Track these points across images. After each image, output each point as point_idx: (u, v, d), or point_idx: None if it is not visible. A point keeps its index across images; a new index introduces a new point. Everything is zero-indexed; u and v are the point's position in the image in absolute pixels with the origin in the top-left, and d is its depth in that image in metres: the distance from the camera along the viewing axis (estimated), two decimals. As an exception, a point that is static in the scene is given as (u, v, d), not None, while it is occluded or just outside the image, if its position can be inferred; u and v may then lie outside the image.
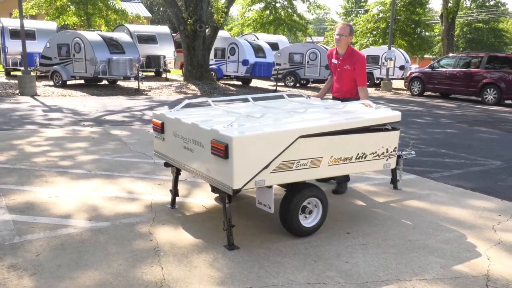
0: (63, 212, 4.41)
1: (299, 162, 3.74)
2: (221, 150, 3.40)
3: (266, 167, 3.54)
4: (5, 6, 32.01)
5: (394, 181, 5.57)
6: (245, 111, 4.32)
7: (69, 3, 26.81)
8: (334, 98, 5.40)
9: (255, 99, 5.06)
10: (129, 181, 5.49)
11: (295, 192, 3.89)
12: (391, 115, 4.49)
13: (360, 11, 53.81)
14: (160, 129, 4.39)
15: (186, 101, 4.60)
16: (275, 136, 3.60)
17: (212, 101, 4.80)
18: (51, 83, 17.40)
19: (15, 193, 4.90)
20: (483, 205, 5.11)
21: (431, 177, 6.21)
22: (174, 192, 4.62)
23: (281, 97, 5.49)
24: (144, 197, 4.92)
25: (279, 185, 3.90)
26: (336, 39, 5.14)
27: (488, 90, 16.84)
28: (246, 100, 5.20)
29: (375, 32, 36.23)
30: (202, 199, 4.94)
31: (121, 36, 18.33)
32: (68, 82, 17.34)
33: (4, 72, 20.82)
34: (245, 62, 19.62)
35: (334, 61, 5.31)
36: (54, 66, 17.21)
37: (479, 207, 5.02)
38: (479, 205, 5.11)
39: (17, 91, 14.65)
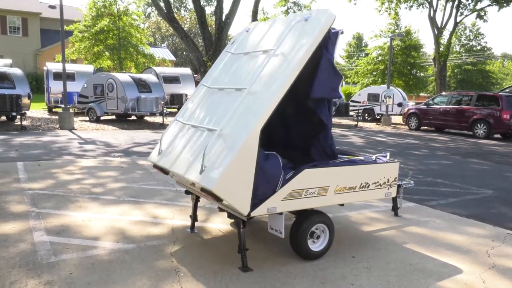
0: (94, 234, 4.40)
1: (308, 190, 3.71)
2: (212, 195, 3.38)
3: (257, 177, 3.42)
4: (50, 52, 33.06)
5: (395, 209, 5.47)
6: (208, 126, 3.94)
7: (105, 50, 27.56)
8: None
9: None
10: (153, 206, 5.48)
11: (304, 218, 3.85)
12: None
13: (361, 55, 54.36)
14: (163, 172, 4.28)
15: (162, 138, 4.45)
16: (242, 153, 3.34)
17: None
18: (87, 118, 17.72)
19: (53, 216, 4.92)
20: (477, 231, 4.98)
21: (429, 205, 6.10)
22: (194, 218, 4.59)
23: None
24: (166, 222, 4.89)
25: (289, 211, 3.86)
26: None
27: (479, 125, 16.69)
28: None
29: (375, 73, 36.44)
30: (219, 224, 4.89)
31: (149, 77, 18.70)
32: (102, 118, 17.64)
33: (47, 109, 21.27)
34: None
35: None
36: (90, 104, 17.55)
37: (473, 233, 4.89)
38: (473, 231, 4.98)
39: (57, 126, 14.92)
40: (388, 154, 4.73)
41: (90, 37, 26.97)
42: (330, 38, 3.89)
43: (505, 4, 26.90)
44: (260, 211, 3.49)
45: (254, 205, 3.44)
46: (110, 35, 27.50)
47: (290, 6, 29.75)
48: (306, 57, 3.60)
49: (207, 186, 3.30)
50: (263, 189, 3.48)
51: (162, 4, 18.34)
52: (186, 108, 4.54)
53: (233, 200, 3.37)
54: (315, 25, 3.76)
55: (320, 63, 3.88)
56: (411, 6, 29.73)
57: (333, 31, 3.93)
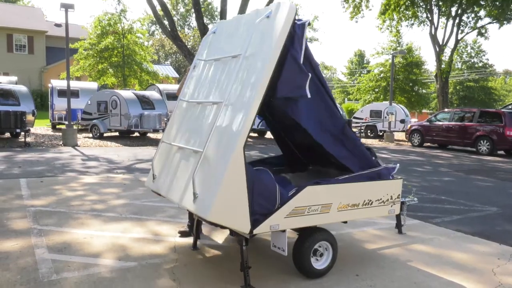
0: (96, 252, 4.37)
1: (311, 207, 3.69)
2: (210, 223, 3.40)
3: (250, 194, 3.38)
4: (55, 70, 33.39)
5: (398, 226, 5.42)
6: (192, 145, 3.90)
7: (109, 67, 27.84)
8: None
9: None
10: (155, 223, 5.46)
11: (307, 236, 3.81)
12: None
13: (363, 72, 54.67)
14: (162, 196, 4.25)
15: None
16: (230, 175, 3.27)
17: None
18: (90, 135, 17.79)
19: (55, 233, 4.90)
20: (482, 249, 4.92)
21: (433, 222, 6.04)
22: (196, 235, 4.56)
23: None
24: (168, 239, 4.86)
25: (292, 229, 3.83)
26: None
27: (482, 141, 16.65)
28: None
29: (377, 90, 36.58)
30: (221, 241, 4.86)
31: (152, 94, 18.83)
32: (105, 134, 17.71)
33: (51, 126, 21.40)
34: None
35: None
36: (94, 120, 17.65)
37: (478, 251, 4.83)
38: (478, 249, 4.92)
39: (61, 142, 14.98)
40: (398, 165, 4.68)
41: (95, 55, 27.31)
42: (295, 32, 3.62)
43: (505, 22, 27.11)
44: (263, 229, 3.47)
45: (255, 221, 3.42)
46: (115, 53, 27.83)
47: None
48: (274, 59, 3.45)
49: (203, 216, 3.31)
50: (261, 204, 3.45)
51: (166, 23, 18.59)
52: (170, 126, 4.47)
53: (231, 223, 3.36)
54: (278, 21, 3.55)
55: (285, 60, 3.60)
56: (412, 24, 30.02)
57: (298, 23, 3.66)
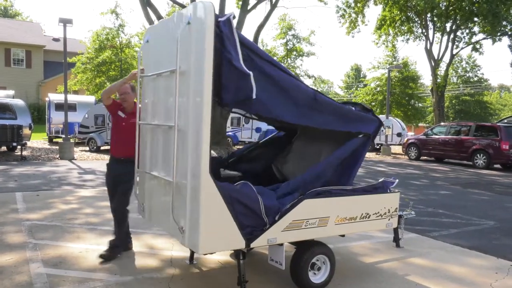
0: (91, 266, 4.33)
1: (308, 221, 3.68)
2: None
3: (235, 221, 3.32)
4: (52, 84, 33.47)
5: (396, 240, 5.41)
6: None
7: (106, 81, 27.93)
8: (115, 159, 4.63)
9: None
10: (151, 237, 5.42)
11: (305, 250, 3.80)
12: None
13: (359, 85, 55.05)
14: None
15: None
16: (206, 203, 3.19)
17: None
18: (87, 148, 17.75)
19: (50, 247, 4.85)
20: (480, 263, 4.91)
21: (431, 236, 6.03)
22: (193, 248, 4.52)
23: None
24: (164, 253, 4.82)
25: (289, 242, 3.81)
26: (121, 98, 4.52)
27: (478, 155, 16.71)
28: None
29: (373, 103, 36.81)
30: (218, 255, 4.82)
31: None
32: (102, 148, 17.68)
33: (47, 139, 21.35)
34: (258, 130, 20.07)
35: (121, 114, 4.58)
36: (91, 134, 17.63)
37: (476, 265, 4.81)
38: (476, 263, 4.90)
39: (58, 156, 14.93)
40: (397, 180, 4.70)
41: (93, 69, 27.40)
42: (222, 32, 3.26)
43: (497, 39, 27.46)
44: (260, 242, 3.45)
45: (249, 234, 3.40)
46: (112, 67, 27.94)
47: (289, 39, 30.39)
48: (209, 70, 3.16)
49: (195, 251, 3.34)
50: (248, 217, 3.41)
51: (164, 37, 18.71)
52: (142, 151, 4.29)
53: (225, 246, 3.38)
54: (199, 27, 3.22)
55: (222, 65, 3.30)
56: (408, 39, 30.38)
57: (222, 19, 3.28)
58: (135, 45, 29.31)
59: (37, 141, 21.22)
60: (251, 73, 3.30)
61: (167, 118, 3.72)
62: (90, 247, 4.93)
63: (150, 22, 18.05)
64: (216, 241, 3.27)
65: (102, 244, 5.07)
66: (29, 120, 15.56)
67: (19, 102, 16.12)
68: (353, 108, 4.38)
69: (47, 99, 21.49)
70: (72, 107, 20.11)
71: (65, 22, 14.68)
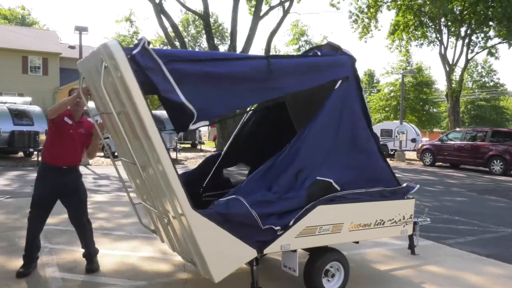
0: (106, 270, 4.36)
1: (322, 227, 3.66)
2: None
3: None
4: (68, 90, 33.99)
5: (411, 247, 5.32)
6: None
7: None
8: (57, 168, 4.16)
9: None
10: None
11: (318, 256, 3.77)
12: None
13: (373, 91, 54.75)
14: None
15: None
16: (201, 235, 3.11)
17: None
18: (102, 154, 17.95)
19: (65, 252, 4.91)
20: (497, 271, 4.81)
21: (447, 243, 5.93)
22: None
23: None
24: (178, 258, 4.83)
25: (303, 249, 3.79)
26: (75, 104, 4.19)
27: (495, 161, 16.45)
28: None
29: (387, 109, 36.56)
30: (231, 261, 4.81)
31: (162, 113, 18.98)
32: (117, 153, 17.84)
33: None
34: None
35: (68, 120, 4.20)
36: (106, 139, 17.79)
37: (493, 273, 4.72)
38: (493, 271, 4.80)
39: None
40: (418, 186, 4.59)
41: (107, 75, 27.76)
42: (141, 66, 2.93)
43: (513, 43, 27.04)
44: (273, 248, 3.44)
45: (258, 242, 3.38)
46: (127, 73, 28.26)
47: (302, 45, 30.43)
48: (144, 108, 2.91)
49: (212, 280, 3.30)
50: (247, 228, 3.33)
51: (177, 44, 18.90)
52: (132, 182, 4.25)
53: (237, 262, 3.35)
54: (115, 69, 2.94)
55: (160, 98, 3.11)
56: (422, 44, 30.11)
57: (137, 51, 2.95)
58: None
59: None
60: (183, 100, 3.04)
61: (138, 156, 3.41)
62: (104, 252, 4.96)
63: (164, 29, 18.24)
64: (227, 263, 3.26)
65: (116, 249, 5.11)
66: (46, 126, 15.78)
67: (36, 108, 16.40)
68: (319, 53, 3.95)
69: (63, 105, 21.77)
70: (87, 114, 20.36)
71: (81, 30, 14.95)
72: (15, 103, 16.84)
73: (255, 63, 3.46)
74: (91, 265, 4.33)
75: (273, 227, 3.41)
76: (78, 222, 4.41)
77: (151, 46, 3.04)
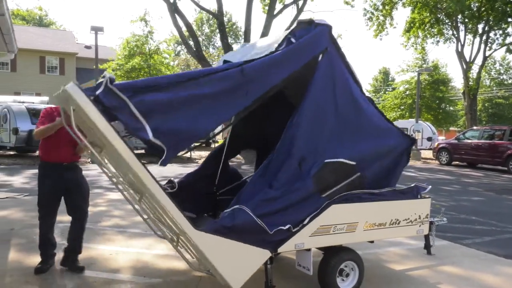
0: (121, 267, 4.41)
1: (336, 226, 3.64)
2: None
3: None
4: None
5: (427, 247, 5.26)
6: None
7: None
8: (63, 166, 4.17)
9: None
10: (180, 241, 5.48)
11: (333, 255, 3.76)
12: None
13: (388, 89, 54.24)
14: None
15: None
16: (210, 250, 3.12)
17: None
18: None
19: (82, 249, 4.97)
20: (517, 272, 4.72)
21: (463, 243, 5.85)
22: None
23: None
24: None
25: (317, 248, 3.78)
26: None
27: (514, 160, 16.15)
28: None
29: (402, 107, 36.16)
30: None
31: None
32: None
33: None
34: None
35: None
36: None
37: (511, 274, 4.64)
38: (511, 272, 4.72)
39: (89, 160, 15.33)
40: (430, 187, 4.53)
41: (122, 75, 28.05)
42: (106, 106, 2.80)
43: (533, 39, 26.48)
44: (287, 247, 3.44)
45: (271, 242, 3.37)
46: (142, 73, 28.53)
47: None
48: (121, 146, 2.84)
49: None
50: (256, 235, 3.29)
51: (191, 43, 18.99)
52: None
53: (252, 268, 3.33)
54: (81, 111, 2.81)
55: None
56: (438, 41, 29.67)
57: (99, 92, 2.82)
58: (163, 51, 29.88)
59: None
60: (151, 138, 2.93)
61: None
62: (120, 249, 5.03)
63: (178, 28, 18.33)
64: (243, 270, 3.25)
65: (131, 246, 5.16)
66: (63, 125, 16.06)
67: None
68: (293, 40, 3.54)
69: (79, 104, 22.10)
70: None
71: (97, 30, 15.13)
72: (33, 103, 17.17)
73: (228, 73, 3.24)
74: (75, 264, 4.27)
75: (282, 227, 3.37)
76: (74, 215, 4.35)
77: (115, 81, 2.88)
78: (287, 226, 3.39)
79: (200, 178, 4.67)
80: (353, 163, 3.71)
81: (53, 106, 4.36)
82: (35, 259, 4.44)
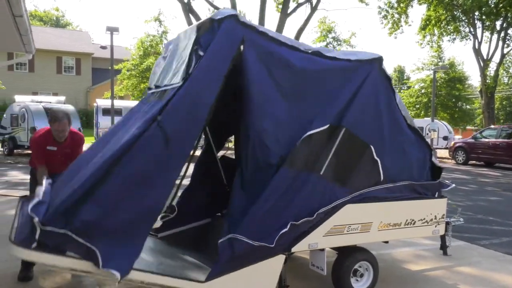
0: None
1: (350, 226, 3.61)
2: None
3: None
4: (99, 90, 34.89)
5: (443, 247, 5.18)
6: None
7: (151, 85, 28.70)
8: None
9: None
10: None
11: (347, 256, 3.74)
12: None
13: (403, 87, 53.66)
14: None
15: None
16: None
17: None
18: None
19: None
20: (536, 274, 4.62)
21: (481, 244, 5.75)
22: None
23: None
24: (207, 255, 4.88)
25: (331, 248, 3.76)
26: (59, 134, 4.22)
27: (533, 159, 15.83)
28: None
29: (418, 106, 35.71)
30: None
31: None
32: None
33: (95, 143, 22.22)
34: None
35: (51, 148, 4.25)
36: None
37: (532, 276, 4.54)
38: (532, 274, 4.62)
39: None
40: (454, 185, 4.43)
41: (137, 75, 28.30)
42: (52, 247, 2.70)
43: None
44: (301, 247, 3.42)
45: (275, 252, 3.28)
46: (156, 73, 28.71)
47: (330, 42, 30.06)
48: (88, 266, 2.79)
49: None
50: (261, 251, 3.18)
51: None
52: None
53: (274, 277, 3.27)
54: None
55: None
56: (454, 39, 29.24)
57: (34, 246, 2.68)
58: (177, 51, 30.02)
59: (86, 144, 22.09)
60: (101, 266, 2.81)
61: None
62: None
63: (192, 28, 18.42)
64: (265, 283, 3.21)
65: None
66: (78, 124, 16.28)
67: (69, 107, 16.92)
68: (201, 53, 3.11)
69: (95, 104, 22.41)
70: (118, 112, 20.82)
71: (112, 30, 15.28)
72: (50, 102, 17.42)
73: (146, 138, 2.86)
74: (28, 272, 4.04)
75: (284, 230, 3.24)
76: None
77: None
78: (288, 226, 3.27)
79: (200, 185, 4.45)
80: (324, 127, 3.42)
81: (42, 130, 4.36)
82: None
